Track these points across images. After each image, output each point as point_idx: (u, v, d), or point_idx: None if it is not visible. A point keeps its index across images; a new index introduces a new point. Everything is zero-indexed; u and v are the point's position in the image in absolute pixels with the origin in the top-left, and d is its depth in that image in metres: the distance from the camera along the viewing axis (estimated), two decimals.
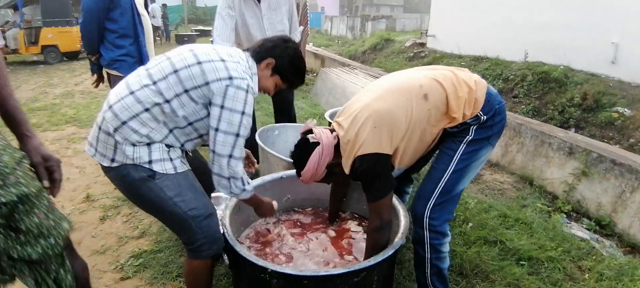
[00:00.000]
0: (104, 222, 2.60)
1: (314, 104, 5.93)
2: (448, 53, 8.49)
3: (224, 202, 2.67)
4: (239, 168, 1.44)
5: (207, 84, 1.34)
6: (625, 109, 4.65)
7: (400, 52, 10.37)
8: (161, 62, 1.40)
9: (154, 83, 1.35)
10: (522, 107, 5.58)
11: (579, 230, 2.69)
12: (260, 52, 1.54)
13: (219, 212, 2.55)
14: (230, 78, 1.35)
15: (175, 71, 1.35)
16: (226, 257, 1.62)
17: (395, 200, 1.76)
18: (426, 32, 9.93)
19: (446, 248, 1.65)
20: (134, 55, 2.66)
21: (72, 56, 10.86)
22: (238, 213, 1.89)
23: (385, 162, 1.48)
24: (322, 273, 1.39)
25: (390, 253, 1.44)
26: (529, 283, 2.08)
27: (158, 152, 1.39)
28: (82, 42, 2.72)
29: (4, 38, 10.03)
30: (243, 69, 1.41)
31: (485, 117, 1.52)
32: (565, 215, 2.86)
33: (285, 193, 2.22)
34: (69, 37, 10.41)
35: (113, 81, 2.69)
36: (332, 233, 2.02)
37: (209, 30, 16.38)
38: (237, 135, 1.38)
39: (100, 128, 1.39)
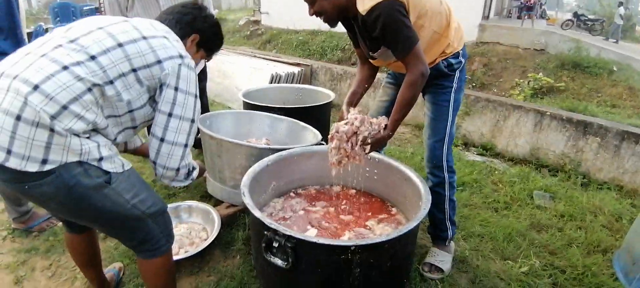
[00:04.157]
0: (21, 285, 1.84)
1: None
2: (284, 29, 8.65)
3: None
4: (190, 157, 1.34)
5: (159, 62, 1.17)
6: None
7: (236, 31, 10.14)
8: (91, 31, 1.13)
9: (93, 58, 1.08)
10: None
11: (473, 156, 3.46)
12: (181, 27, 1.36)
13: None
14: (181, 57, 1.22)
15: (120, 45, 1.13)
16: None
17: (414, 176, 1.81)
18: (259, 9, 9.98)
19: (456, 182, 1.97)
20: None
21: None
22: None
23: (406, 10, 1.48)
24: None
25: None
26: (474, 200, 2.64)
27: (106, 147, 1.15)
28: None
29: None
30: (182, 46, 1.29)
31: (463, 60, 1.78)
32: (459, 148, 3.60)
33: (270, 181, 2.08)
34: None
35: None
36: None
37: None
38: (193, 121, 1.26)
39: (19, 118, 0.99)
